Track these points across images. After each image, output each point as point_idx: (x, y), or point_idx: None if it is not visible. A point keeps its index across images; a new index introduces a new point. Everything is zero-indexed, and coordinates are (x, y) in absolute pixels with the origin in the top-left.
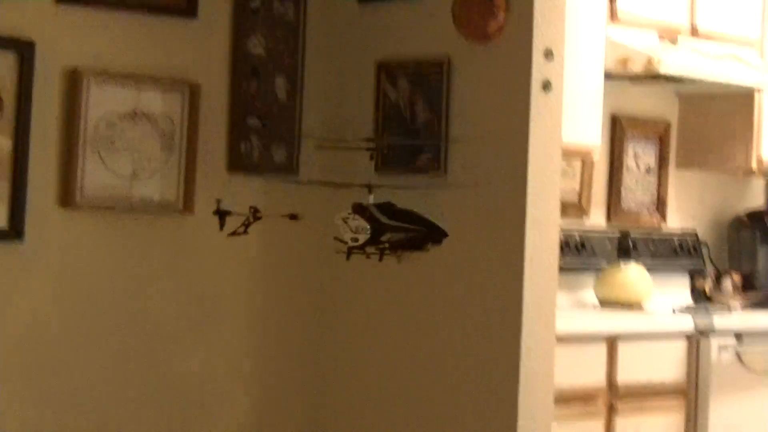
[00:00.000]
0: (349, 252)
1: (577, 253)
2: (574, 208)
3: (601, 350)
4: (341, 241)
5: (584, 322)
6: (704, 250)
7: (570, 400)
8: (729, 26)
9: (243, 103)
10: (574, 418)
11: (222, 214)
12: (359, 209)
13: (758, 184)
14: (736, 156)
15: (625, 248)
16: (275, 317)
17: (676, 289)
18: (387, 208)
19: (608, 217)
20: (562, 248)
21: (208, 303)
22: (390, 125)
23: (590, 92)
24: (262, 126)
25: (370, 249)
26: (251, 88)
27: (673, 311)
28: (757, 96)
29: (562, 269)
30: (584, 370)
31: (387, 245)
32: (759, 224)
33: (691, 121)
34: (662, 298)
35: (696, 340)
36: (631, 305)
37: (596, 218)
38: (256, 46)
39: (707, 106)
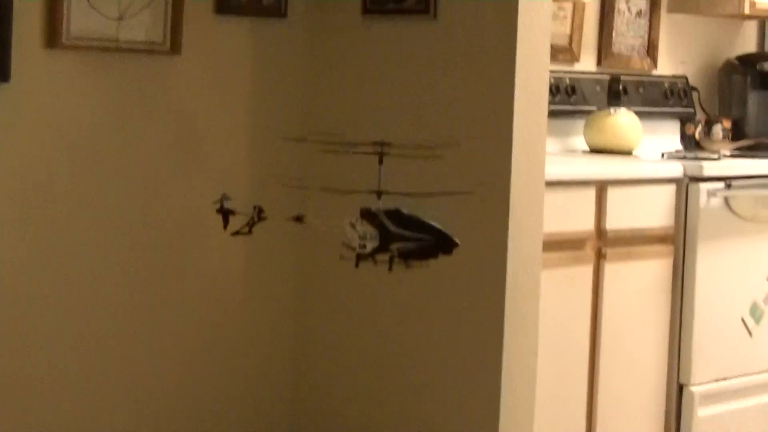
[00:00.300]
0: (358, 259)
1: (567, 98)
2: (564, 51)
3: (590, 196)
4: (349, 247)
5: (573, 167)
6: (695, 96)
7: (559, 246)
8: None
9: None
10: (562, 264)
11: (226, 213)
12: (368, 215)
13: (750, 27)
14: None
15: (615, 93)
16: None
17: (666, 136)
18: (395, 215)
19: (599, 61)
20: (552, 92)
21: (196, 143)
22: None
23: None
24: None
25: (379, 256)
26: None
27: (663, 156)
28: None
29: (552, 114)
30: (573, 216)
31: (396, 253)
32: (750, 69)
33: None
34: (652, 144)
35: (685, 186)
36: (620, 151)
37: (587, 62)
38: None
39: None
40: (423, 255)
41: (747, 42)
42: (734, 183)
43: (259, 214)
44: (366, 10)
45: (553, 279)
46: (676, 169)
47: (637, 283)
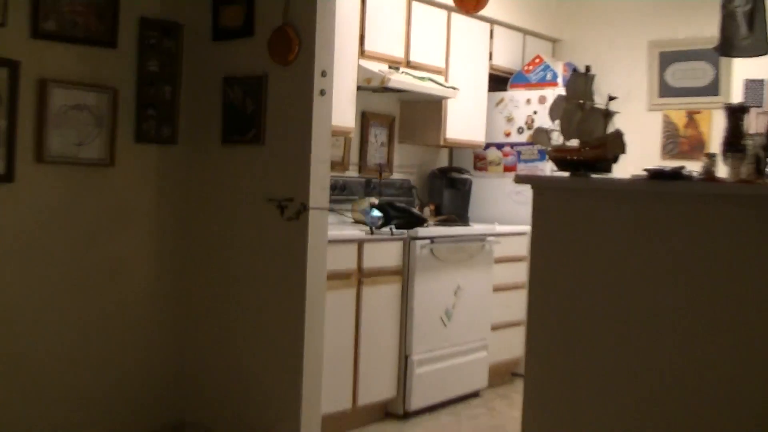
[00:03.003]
0: (372, 231)
1: (341, 192)
2: (339, 165)
3: (354, 248)
4: (365, 224)
5: (345, 232)
6: (415, 191)
7: (336, 276)
8: (429, 60)
9: (144, 100)
10: (339, 288)
11: (282, 206)
12: (378, 205)
13: (445, 152)
14: (432, 136)
15: (369, 188)
16: (178, 232)
17: None
18: (391, 205)
19: (359, 170)
20: (332, 187)
21: (123, 213)
22: (230, 115)
23: (349, 97)
24: (156, 114)
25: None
26: (150, 90)
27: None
28: (444, 102)
29: (332, 200)
30: (344, 260)
31: (394, 225)
32: (444, 176)
33: (407, 115)
34: None
35: (408, 242)
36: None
37: (353, 170)
38: (153, 65)
39: (416, 106)
40: (408, 226)
41: (443, 159)
42: (435, 240)
43: (303, 207)
44: (224, 140)
45: (335, 297)
46: (402, 232)
47: (381, 298)
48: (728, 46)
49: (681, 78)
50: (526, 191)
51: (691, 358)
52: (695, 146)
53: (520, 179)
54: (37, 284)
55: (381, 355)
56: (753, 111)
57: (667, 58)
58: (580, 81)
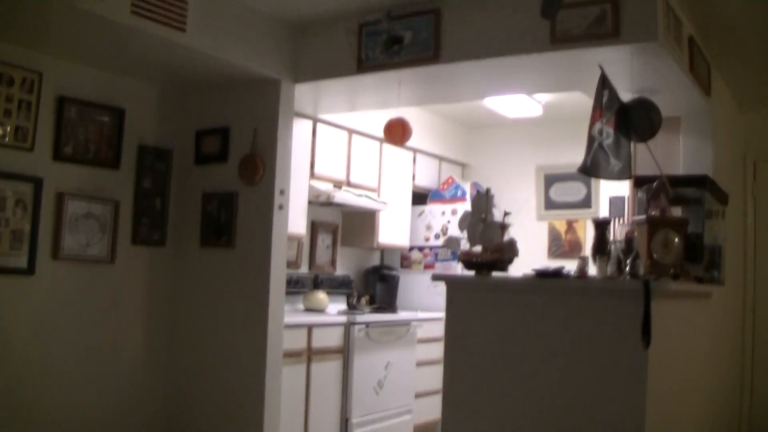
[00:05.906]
0: (385, 47)
1: (295, 285)
2: (293, 263)
3: (304, 332)
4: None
5: (297, 318)
6: (353, 284)
7: (290, 355)
8: (364, 180)
9: (140, 210)
10: (293, 364)
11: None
12: (392, 37)
13: (377, 253)
14: (367, 240)
15: (317, 283)
16: (168, 308)
17: (341, 302)
18: (396, 36)
19: (309, 268)
20: (288, 282)
21: (122, 301)
22: (208, 224)
23: (302, 209)
24: (149, 222)
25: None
26: (144, 203)
27: (339, 313)
28: (377, 213)
29: (288, 293)
30: (297, 341)
31: (398, 49)
32: (377, 272)
33: (348, 224)
34: (334, 306)
35: (348, 326)
36: (319, 310)
37: (303, 268)
38: (147, 183)
39: (355, 216)
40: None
41: (376, 259)
42: (370, 325)
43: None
44: (202, 244)
45: (289, 371)
46: (344, 318)
47: (327, 371)
48: (596, 170)
49: (561, 194)
50: (442, 285)
51: (565, 408)
52: (574, 247)
53: (436, 277)
54: (52, 356)
55: (326, 418)
56: (616, 221)
57: (551, 179)
58: (482, 200)
